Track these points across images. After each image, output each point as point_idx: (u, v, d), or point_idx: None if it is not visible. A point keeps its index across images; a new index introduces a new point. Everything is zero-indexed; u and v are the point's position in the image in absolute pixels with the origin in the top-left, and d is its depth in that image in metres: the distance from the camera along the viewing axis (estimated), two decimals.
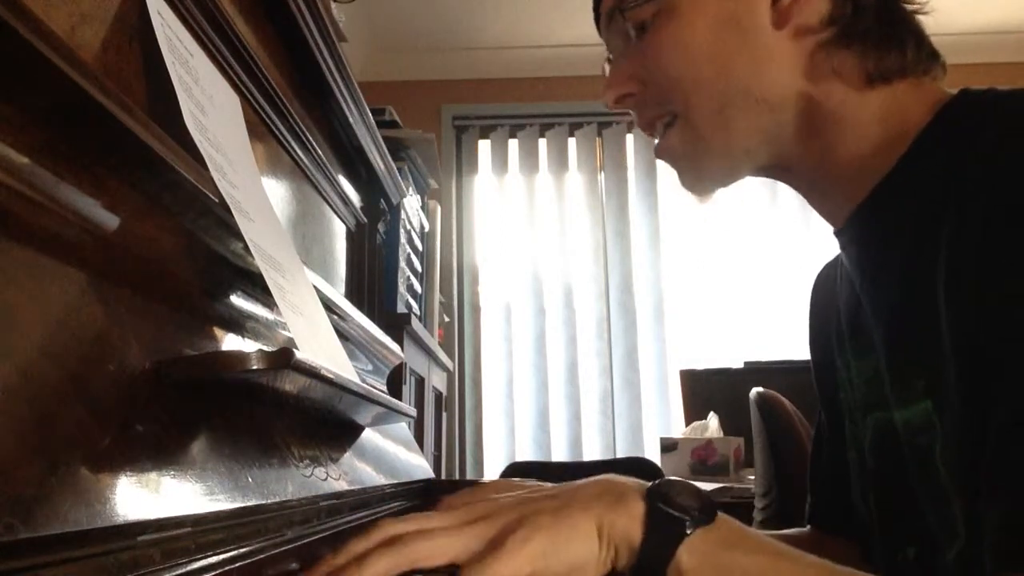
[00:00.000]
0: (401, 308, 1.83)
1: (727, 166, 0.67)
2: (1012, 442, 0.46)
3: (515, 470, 2.02)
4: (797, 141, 0.64)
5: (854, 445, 0.72)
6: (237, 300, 0.70)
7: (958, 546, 0.53)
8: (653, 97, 0.67)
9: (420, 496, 1.12)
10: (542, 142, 3.34)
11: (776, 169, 0.68)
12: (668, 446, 2.15)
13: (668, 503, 0.48)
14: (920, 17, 0.64)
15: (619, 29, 0.68)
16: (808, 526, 0.84)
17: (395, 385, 1.57)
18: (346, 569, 0.44)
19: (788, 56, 0.62)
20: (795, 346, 2.90)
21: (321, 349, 0.72)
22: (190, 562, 0.46)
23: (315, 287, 0.81)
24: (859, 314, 0.65)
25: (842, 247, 0.68)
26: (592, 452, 3.06)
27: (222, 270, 0.66)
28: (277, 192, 1.01)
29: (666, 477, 0.51)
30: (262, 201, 0.76)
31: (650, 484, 0.50)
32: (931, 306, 0.52)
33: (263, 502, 0.57)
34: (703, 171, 0.68)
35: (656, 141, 0.70)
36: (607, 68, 0.71)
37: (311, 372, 0.56)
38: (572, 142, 3.35)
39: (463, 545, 0.47)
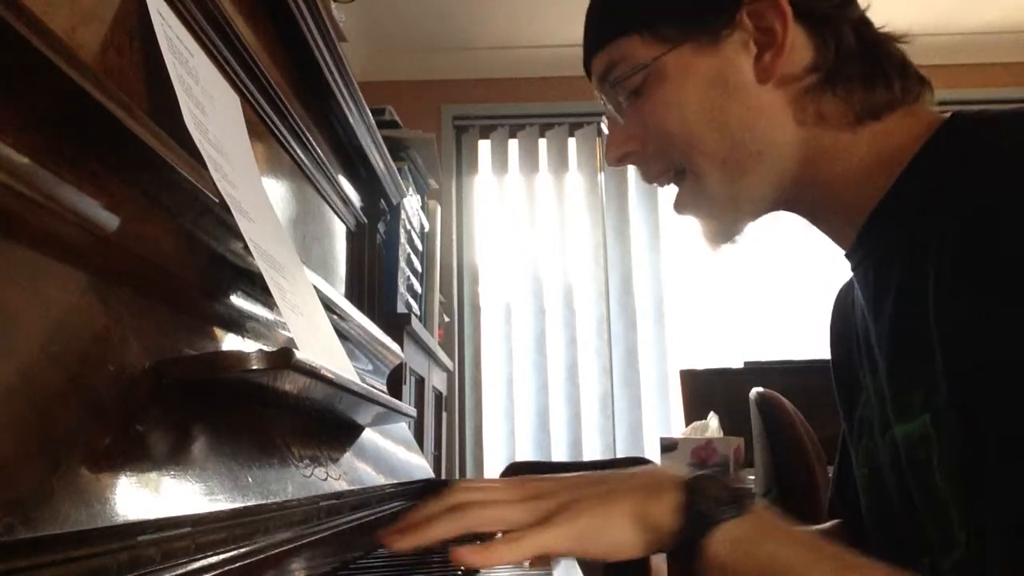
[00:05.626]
0: (401, 308, 1.83)
1: (737, 218, 0.69)
2: (1016, 457, 0.47)
3: (515, 470, 2.02)
4: (797, 181, 0.66)
5: (868, 462, 0.72)
6: (237, 300, 0.70)
7: (956, 554, 0.54)
8: (655, 154, 0.70)
9: (420, 496, 1.12)
10: (542, 142, 3.34)
11: (780, 204, 0.70)
12: (668, 446, 2.15)
13: (702, 495, 0.53)
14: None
15: (611, 94, 0.71)
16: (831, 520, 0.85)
17: (395, 385, 1.57)
18: (416, 528, 0.54)
19: (777, 107, 0.64)
20: (795, 346, 2.90)
21: (321, 349, 0.72)
22: (190, 562, 0.46)
23: (315, 287, 0.81)
24: (871, 333, 0.66)
25: (852, 269, 0.69)
26: (592, 452, 3.05)
27: (222, 270, 0.66)
28: (277, 192, 1.01)
29: (704, 471, 0.56)
30: (262, 201, 0.76)
31: (689, 477, 0.55)
32: (923, 323, 0.54)
33: (263, 502, 0.57)
34: (719, 224, 0.70)
35: (669, 192, 0.73)
36: (604, 126, 0.74)
37: (311, 372, 0.56)
38: (572, 142, 3.34)
39: (517, 518, 0.54)
